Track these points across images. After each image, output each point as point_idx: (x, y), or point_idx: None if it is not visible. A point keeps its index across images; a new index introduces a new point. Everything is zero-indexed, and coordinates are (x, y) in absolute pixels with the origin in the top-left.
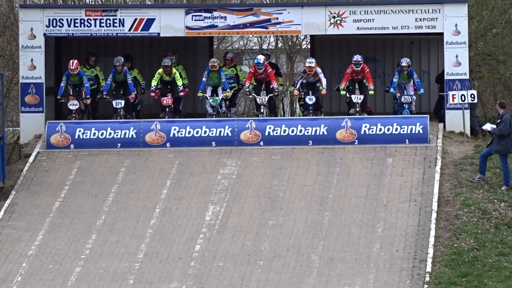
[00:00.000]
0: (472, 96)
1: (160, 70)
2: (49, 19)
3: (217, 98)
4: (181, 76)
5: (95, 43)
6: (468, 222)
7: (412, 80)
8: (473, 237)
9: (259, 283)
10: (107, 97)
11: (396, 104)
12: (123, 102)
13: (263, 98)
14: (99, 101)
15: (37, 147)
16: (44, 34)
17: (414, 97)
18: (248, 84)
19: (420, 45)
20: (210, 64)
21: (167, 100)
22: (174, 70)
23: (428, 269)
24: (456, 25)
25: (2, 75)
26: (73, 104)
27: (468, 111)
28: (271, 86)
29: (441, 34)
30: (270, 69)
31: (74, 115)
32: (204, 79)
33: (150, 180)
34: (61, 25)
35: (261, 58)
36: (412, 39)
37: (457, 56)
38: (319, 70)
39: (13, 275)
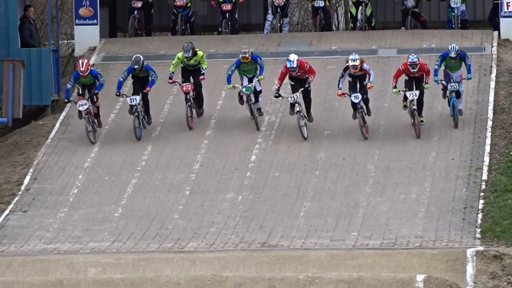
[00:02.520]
0: None
1: (180, 54)
2: None
3: (250, 85)
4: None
5: None
6: None
7: (463, 65)
8: None
9: (315, 192)
10: (121, 93)
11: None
12: (138, 97)
13: (294, 96)
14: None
15: (92, 60)
16: None
17: (463, 87)
18: (279, 85)
19: None
20: (241, 56)
21: (187, 87)
22: (200, 52)
23: (484, 177)
24: None
25: None
26: (82, 105)
27: None
28: (306, 79)
29: None
30: (308, 65)
31: (86, 116)
32: (229, 72)
33: (206, 90)
34: None
35: (294, 59)
36: None
37: None
38: (366, 66)
39: (69, 188)
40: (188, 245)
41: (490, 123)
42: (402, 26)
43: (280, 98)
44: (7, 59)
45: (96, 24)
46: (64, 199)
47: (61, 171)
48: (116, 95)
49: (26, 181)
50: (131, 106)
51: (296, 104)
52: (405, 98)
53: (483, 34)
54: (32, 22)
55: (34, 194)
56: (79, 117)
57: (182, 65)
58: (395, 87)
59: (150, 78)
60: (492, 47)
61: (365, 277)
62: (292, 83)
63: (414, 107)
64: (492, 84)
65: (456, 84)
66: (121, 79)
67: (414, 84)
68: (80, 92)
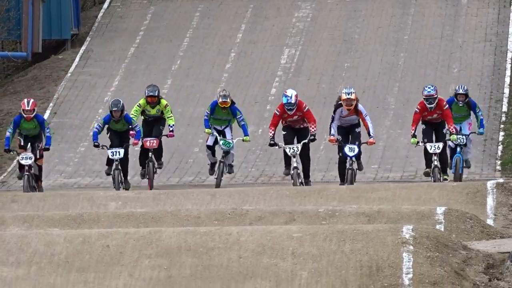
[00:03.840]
0: None
1: (142, 101)
2: None
3: (229, 141)
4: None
5: None
6: None
7: (472, 114)
8: None
9: None
10: (100, 145)
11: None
12: (122, 150)
13: (294, 148)
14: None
15: None
16: None
17: (471, 138)
18: (273, 132)
19: None
20: (220, 100)
21: (151, 142)
22: (163, 101)
23: (504, 109)
24: None
25: None
26: (26, 158)
27: None
28: (309, 128)
29: None
30: (307, 107)
31: (27, 173)
32: (206, 116)
33: (225, 24)
34: None
35: (292, 94)
36: None
37: None
38: (362, 108)
39: (89, 122)
40: (208, 178)
41: (510, 54)
42: None
43: (277, 147)
44: None
45: None
46: (84, 134)
47: (81, 105)
48: (94, 145)
49: (46, 115)
50: (111, 160)
51: (294, 159)
52: (426, 151)
53: None
54: None
55: (54, 128)
56: (18, 175)
57: (142, 116)
58: (414, 135)
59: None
60: None
61: (385, 210)
62: (284, 132)
63: (436, 164)
64: None
65: (463, 137)
66: (95, 130)
67: (434, 134)
68: (22, 143)
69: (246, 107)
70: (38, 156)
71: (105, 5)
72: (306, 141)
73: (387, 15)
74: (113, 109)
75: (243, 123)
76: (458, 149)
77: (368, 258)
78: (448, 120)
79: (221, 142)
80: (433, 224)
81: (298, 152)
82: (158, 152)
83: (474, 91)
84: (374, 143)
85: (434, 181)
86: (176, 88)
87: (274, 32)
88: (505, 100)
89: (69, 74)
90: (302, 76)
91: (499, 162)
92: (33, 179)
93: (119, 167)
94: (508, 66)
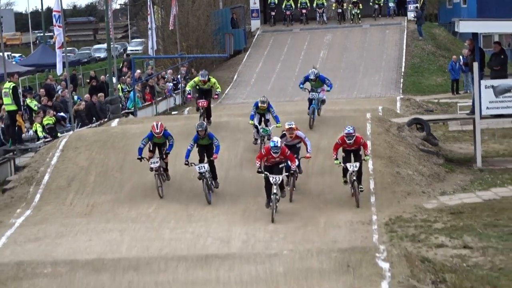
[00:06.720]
0: None
1: (196, 79)
2: None
3: (267, 128)
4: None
5: None
6: None
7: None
8: None
9: None
10: (189, 162)
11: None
12: (206, 165)
13: (277, 178)
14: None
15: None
16: None
17: (323, 96)
18: (259, 164)
19: None
20: (259, 105)
21: (202, 103)
22: (212, 79)
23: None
24: None
25: None
26: (154, 162)
27: None
28: (290, 166)
29: None
30: (289, 152)
31: (157, 173)
32: (252, 113)
33: None
34: None
35: (277, 140)
36: None
37: None
38: (301, 133)
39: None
40: None
41: None
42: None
43: (263, 175)
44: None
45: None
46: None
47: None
48: (185, 163)
49: (229, 86)
50: (200, 173)
51: (274, 186)
52: (345, 171)
53: None
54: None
55: (235, 84)
56: (153, 173)
57: (197, 87)
58: (336, 158)
59: (214, 144)
60: None
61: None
62: (266, 164)
63: (354, 178)
64: None
65: (317, 93)
66: (189, 148)
67: (352, 157)
68: (151, 148)
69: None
70: (164, 157)
71: (256, 36)
72: (287, 174)
73: None
74: (199, 129)
75: (275, 115)
76: (314, 102)
77: (353, 125)
78: (365, 148)
79: (261, 130)
80: (375, 113)
81: (279, 182)
82: (208, 113)
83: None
84: (310, 157)
85: (354, 191)
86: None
87: None
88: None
89: (241, 64)
90: None
91: (401, 90)
92: (163, 175)
93: (206, 176)
94: None
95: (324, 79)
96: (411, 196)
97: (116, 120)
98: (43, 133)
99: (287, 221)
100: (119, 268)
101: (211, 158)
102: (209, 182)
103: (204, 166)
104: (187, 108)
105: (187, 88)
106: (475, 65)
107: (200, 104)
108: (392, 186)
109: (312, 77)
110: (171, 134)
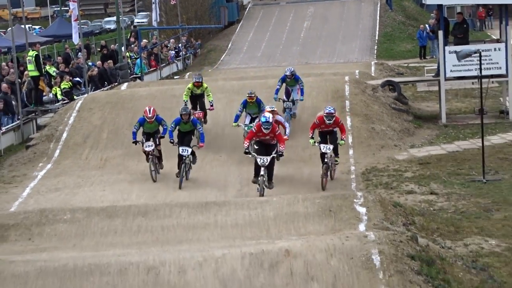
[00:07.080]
0: None
1: (190, 85)
2: None
3: (251, 125)
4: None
5: None
6: None
7: (298, 84)
8: None
9: None
10: (173, 141)
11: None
12: (190, 149)
13: (264, 159)
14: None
15: None
16: None
17: (301, 98)
18: (247, 144)
19: None
20: (247, 96)
21: (198, 114)
22: (204, 84)
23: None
24: None
25: None
26: (149, 146)
27: None
28: (278, 148)
29: None
30: (279, 130)
31: (151, 156)
32: (238, 112)
33: None
34: None
35: (269, 116)
36: None
37: None
38: (280, 118)
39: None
40: None
41: None
42: None
43: (249, 156)
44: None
45: None
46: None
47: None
48: (170, 142)
49: (224, 54)
50: (181, 156)
51: (263, 168)
52: (323, 156)
53: None
54: None
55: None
56: (147, 158)
57: (191, 94)
58: (312, 137)
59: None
60: None
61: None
62: (257, 147)
63: (326, 160)
64: None
65: (290, 102)
66: (170, 129)
67: (327, 139)
68: (145, 141)
69: None
70: (157, 143)
71: (247, 9)
72: (275, 155)
73: None
74: (183, 113)
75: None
76: (288, 110)
77: (333, 86)
78: (342, 132)
79: (246, 128)
80: (353, 76)
81: (267, 164)
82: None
83: None
84: (287, 139)
85: (324, 174)
86: None
87: None
88: None
89: (235, 34)
90: None
91: (375, 55)
92: (156, 161)
93: (187, 161)
94: None
95: (298, 78)
96: (385, 149)
97: (125, 84)
98: (61, 96)
99: (276, 172)
100: (130, 214)
101: (198, 147)
102: (187, 168)
103: (187, 150)
104: (188, 73)
105: (184, 99)
106: (441, 33)
107: (197, 115)
108: (368, 140)
109: (288, 73)
110: (163, 118)
